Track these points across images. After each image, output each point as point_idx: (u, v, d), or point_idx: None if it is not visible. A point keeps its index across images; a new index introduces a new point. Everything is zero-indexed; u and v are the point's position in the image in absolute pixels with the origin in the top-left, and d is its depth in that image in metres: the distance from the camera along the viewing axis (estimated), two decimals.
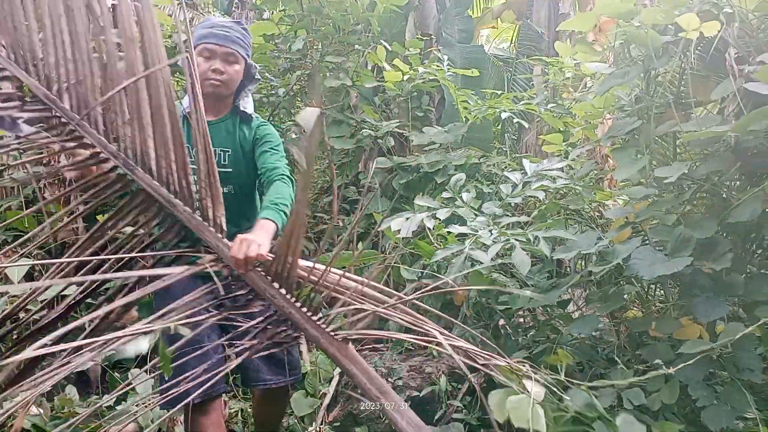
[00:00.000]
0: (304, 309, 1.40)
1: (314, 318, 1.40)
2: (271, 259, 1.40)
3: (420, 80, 3.98)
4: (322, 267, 1.39)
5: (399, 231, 2.44)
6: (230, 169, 2.02)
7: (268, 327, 1.43)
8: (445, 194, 2.77)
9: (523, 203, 3.17)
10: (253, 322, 1.44)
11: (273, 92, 4.01)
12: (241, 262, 1.39)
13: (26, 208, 3.29)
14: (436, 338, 1.31)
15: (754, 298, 1.81)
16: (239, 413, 2.87)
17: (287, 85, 3.95)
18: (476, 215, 2.53)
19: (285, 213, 1.76)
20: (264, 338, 1.42)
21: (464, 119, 4.06)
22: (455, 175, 2.89)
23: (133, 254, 1.41)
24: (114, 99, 1.38)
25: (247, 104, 2.09)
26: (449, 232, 2.41)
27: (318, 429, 2.67)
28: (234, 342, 1.44)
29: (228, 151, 2.03)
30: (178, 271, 1.37)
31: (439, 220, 2.52)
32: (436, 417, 2.45)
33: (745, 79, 1.68)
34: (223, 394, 2.45)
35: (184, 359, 2.00)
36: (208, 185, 1.43)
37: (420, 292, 1.43)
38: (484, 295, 2.72)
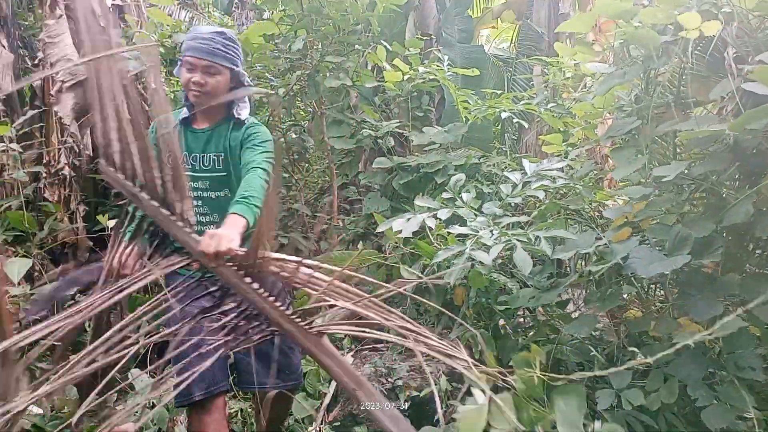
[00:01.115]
0: (278, 304, 1.38)
1: (288, 312, 1.38)
2: (241, 253, 1.39)
3: (420, 80, 3.98)
4: (294, 260, 1.36)
5: (399, 231, 2.44)
6: (224, 173, 2.07)
7: (242, 323, 1.41)
8: (445, 194, 2.77)
9: (523, 203, 3.17)
10: (226, 319, 1.42)
11: (273, 92, 4.01)
12: (211, 257, 1.37)
13: (26, 208, 3.29)
14: (409, 338, 1.30)
15: (752, 298, 1.80)
16: (239, 413, 2.87)
17: (287, 85, 3.95)
18: (476, 215, 2.53)
19: (256, 206, 1.76)
20: (239, 334, 1.40)
21: (464, 119, 4.06)
22: (455, 175, 2.90)
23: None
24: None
25: (242, 110, 2.11)
26: (449, 233, 2.41)
27: (318, 429, 2.67)
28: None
29: (221, 156, 2.07)
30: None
31: (440, 220, 2.52)
32: (436, 417, 2.44)
33: (743, 78, 1.68)
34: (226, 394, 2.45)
35: (186, 358, 2.02)
36: (174, 178, 1.38)
37: (391, 289, 1.43)
38: (484, 295, 2.72)
